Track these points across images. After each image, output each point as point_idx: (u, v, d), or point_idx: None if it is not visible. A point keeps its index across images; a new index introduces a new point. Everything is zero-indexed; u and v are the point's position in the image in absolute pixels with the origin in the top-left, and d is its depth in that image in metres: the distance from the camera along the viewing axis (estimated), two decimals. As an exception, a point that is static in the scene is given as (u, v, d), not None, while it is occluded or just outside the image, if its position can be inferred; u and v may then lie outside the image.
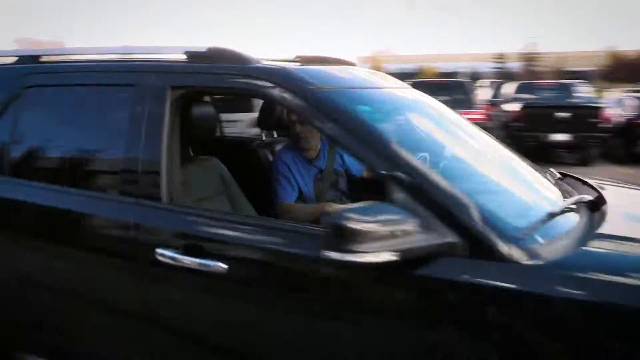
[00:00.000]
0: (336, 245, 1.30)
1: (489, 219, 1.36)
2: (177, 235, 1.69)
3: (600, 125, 9.52)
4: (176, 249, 1.64)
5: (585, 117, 9.36)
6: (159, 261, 1.64)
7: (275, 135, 2.94)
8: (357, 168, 2.79)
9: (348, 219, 1.29)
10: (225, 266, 1.57)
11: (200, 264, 1.59)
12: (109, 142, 1.91)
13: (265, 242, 1.58)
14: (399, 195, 1.41)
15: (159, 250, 1.65)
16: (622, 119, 9.86)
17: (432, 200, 1.39)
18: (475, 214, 1.36)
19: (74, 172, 1.99)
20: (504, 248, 1.32)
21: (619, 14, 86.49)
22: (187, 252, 1.62)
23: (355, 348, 1.46)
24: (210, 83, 1.80)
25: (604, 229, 1.52)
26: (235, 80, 1.74)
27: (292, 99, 1.63)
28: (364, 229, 1.29)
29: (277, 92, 1.66)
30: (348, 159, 2.76)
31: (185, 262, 1.61)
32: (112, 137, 1.90)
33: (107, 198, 1.86)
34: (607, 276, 1.26)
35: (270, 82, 1.67)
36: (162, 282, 1.71)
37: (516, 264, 1.30)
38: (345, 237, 1.29)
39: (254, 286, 1.60)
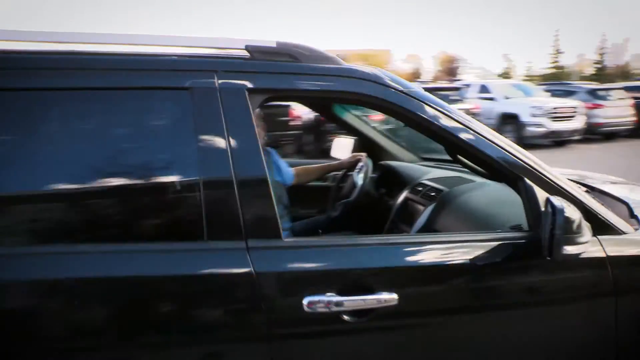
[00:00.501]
0: (570, 240, 1.54)
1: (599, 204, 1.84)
2: (327, 275, 1.53)
3: (290, 123, 11.35)
4: (327, 293, 1.50)
5: (276, 116, 10.93)
6: (311, 314, 1.48)
7: None
8: (289, 177, 2.83)
9: (568, 211, 1.54)
10: (395, 296, 1.54)
11: (369, 301, 1.52)
12: (162, 168, 1.51)
13: (428, 259, 1.62)
14: (533, 191, 1.70)
15: (310, 299, 1.48)
16: (312, 117, 11.88)
17: (562, 192, 1.74)
18: (591, 200, 1.81)
19: (114, 222, 1.48)
20: (622, 224, 1.82)
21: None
22: (344, 293, 1.51)
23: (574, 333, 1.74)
24: (306, 86, 1.65)
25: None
26: (339, 82, 1.66)
27: (415, 105, 1.69)
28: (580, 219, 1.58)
29: (394, 96, 1.67)
30: (284, 169, 2.78)
31: (354, 303, 1.50)
32: (165, 160, 1.52)
33: (190, 249, 1.48)
34: None
35: (386, 85, 1.68)
36: (321, 340, 1.54)
37: (632, 234, 1.81)
38: (575, 230, 1.55)
39: (433, 310, 1.62)
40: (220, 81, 1.56)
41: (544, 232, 1.57)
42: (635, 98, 14.92)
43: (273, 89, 1.63)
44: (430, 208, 2.37)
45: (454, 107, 1.76)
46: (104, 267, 1.42)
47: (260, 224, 1.52)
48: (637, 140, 14.30)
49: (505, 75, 43.37)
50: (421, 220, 2.37)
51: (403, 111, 1.70)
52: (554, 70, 43.95)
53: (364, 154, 3.03)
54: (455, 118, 1.71)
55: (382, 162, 3.23)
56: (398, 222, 2.69)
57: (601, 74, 41.81)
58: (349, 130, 3.29)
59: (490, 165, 1.75)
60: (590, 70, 46.03)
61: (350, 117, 3.24)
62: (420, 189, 2.67)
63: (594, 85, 16.85)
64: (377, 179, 3.08)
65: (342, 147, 3.36)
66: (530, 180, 1.71)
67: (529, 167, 1.73)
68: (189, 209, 1.50)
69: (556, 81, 23.52)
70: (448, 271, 1.64)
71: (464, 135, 1.70)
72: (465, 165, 2.04)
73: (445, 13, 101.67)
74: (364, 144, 3.28)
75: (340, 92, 1.68)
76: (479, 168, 1.93)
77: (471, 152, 1.74)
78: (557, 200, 1.56)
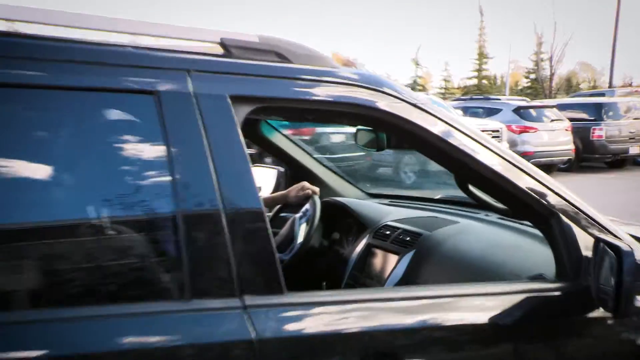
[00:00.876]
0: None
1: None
2: (345, 340, 1.65)
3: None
4: None
5: None
6: None
7: None
8: None
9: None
10: None
11: None
12: (125, 201, 1.56)
13: (459, 318, 1.79)
14: (572, 231, 1.95)
15: None
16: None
17: (608, 233, 2.00)
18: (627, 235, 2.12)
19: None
20: None
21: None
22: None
23: None
24: (305, 95, 1.77)
25: None
26: (349, 92, 1.80)
27: (440, 127, 1.87)
28: None
29: (416, 115, 1.84)
30: None
31: None
32: (128, 191, 1.57)
33: (167, 310, 1.51)
34: None
35: (405, 100, 1.86)
36: None
37: None
38: None
39: None
40: (195, 84, 1.63)
41: (599, 280, 1.80)
42: (571, 120, 16.41)
43: (263, 97, 1.73)
44: (408, 257, 2.59)
45: (475, 127, 1.98)
46: (41, 342, 1.40)
47: (258, 274, 1.59)
48: (578, 175, 15.70)
49: (416, 85, 45.58)
50: (397, 272, 2.58)
51: (424, 134, 1.87)
52: (480, 81, 46.83)
53: (316, 190, 3.12)
54: (480, 141, 1.91)
55: (329, 199, 3.40)
56: (359, 276, 2.86)
57: (537, 87, 45.25)
58: (277, 155, 3.43)
59: (516, 198, 1.96)
60: (525, 81, 49.63)
61: (280, 138, 3.38)
62: (387, 232, 2.87)
63: (523, 101, 18.16)
64: (325, 222, 3.20)
65: (262, 180, 3.46)
66: (568, 219, 1.95)
67: (565, 202, 1.96)
68: (164, 256, 1.56)
69: (479, 95, 25.25)
70: (481, 331, 1.82)
71: (489, 162, 1.90)
72: (475, 198, 2.27)
73: (342, 4, 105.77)
74: (295, 174, 3.43)
75: (350, 106, 1.81)
76: (494, 202, 2.17)
77: (494, 182, 1.94)
78: (618, 241, 1.80)
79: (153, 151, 1.58)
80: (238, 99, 1.68)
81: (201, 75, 1.66)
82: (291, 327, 1.60)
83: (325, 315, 1.66)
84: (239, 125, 1.66)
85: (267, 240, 1.62)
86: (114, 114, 1.61)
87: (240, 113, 1.68)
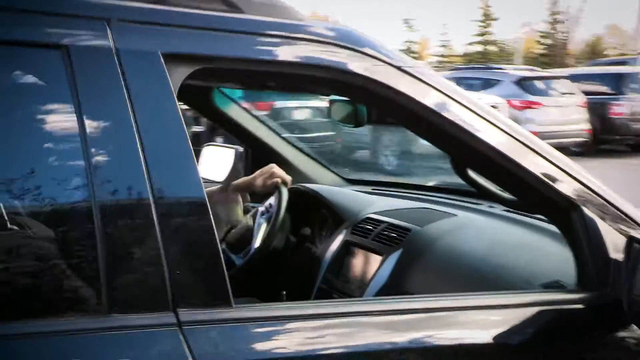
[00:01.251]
0: None
1: None
2: None
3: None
4: None
5: None
6: None
7: None
8: None
9: None
10: None
11: None
12: (21, 187, 1.45)
13: (453, 336, 1.72)
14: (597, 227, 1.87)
15: None
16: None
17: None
18: None
19: None
20: None
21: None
22: None
23: None
24: (263, 55, 1.69)
25: None
26: (323, 52, 1.72)
27: (435, 99, 1.78)
28: None
29: (409, 84, 1.76)
30: None
31: None
32: (24, 173, 1.47)
33: (78, 330, 1.40)
34: None
35: (379, 58, 1.76)
36: None
37: None
38: None
39: None
40: (116, 38, 1.53)
41: (633, 291, 1.70)
42: (587, 94, 16.19)
43: (205, 56, 1.65)
44: (393, 257, 2.53)
45: (480, 101, 1.89)
46: None
47: (198, 282, 1.52)
48: (594, 160, 15.13)
49: (410, 53, 45.74)
50: (380, 276, 2.52)
51: (413, 105, 1.78)
52: (483, 48, 47.14)
53: (287, 179, 2.91)
54: (484, 116, 1.83)
55: (299, 187, 3.31)
56: (334, 281, 2.81)
57: (552, 54, 45.29)
58: (235, 132, 3.38)
59: (528, 186, 1.88)
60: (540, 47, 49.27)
61: (238, 111, 3.32)
62: (369, 227, 2.81)
63: (528, 71, 18.00)
64: (293, 214, 3.09)
65: (215, 162, 3.33)
66: (592, 212, 1.86)
67: (590, 191, 1.88)
68: (73, 258, 1.46)
69: (481, 64, 25.40)
70: (484, 353, 1.75)
71: (494, 141, 1.82)
72: (476, 186, 2.18)
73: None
74: (257, 156, 3.37)
75: (320, 69, 1.73)
76: (499, 191, 2.08)
77: (501, 166, 1.86)
78: None
79: (60, 125, 1.52)
80: (173, 58, 1.59)
81: (125, 27, 1.56)
82: (240, 349, 1.52)
83: (285, 334, 1.61)
84: (175, 91, 1.56)
85: (210, 239, 1.54)
86: (6, 75, 1.52)
87: (176, 76, 1.59)
